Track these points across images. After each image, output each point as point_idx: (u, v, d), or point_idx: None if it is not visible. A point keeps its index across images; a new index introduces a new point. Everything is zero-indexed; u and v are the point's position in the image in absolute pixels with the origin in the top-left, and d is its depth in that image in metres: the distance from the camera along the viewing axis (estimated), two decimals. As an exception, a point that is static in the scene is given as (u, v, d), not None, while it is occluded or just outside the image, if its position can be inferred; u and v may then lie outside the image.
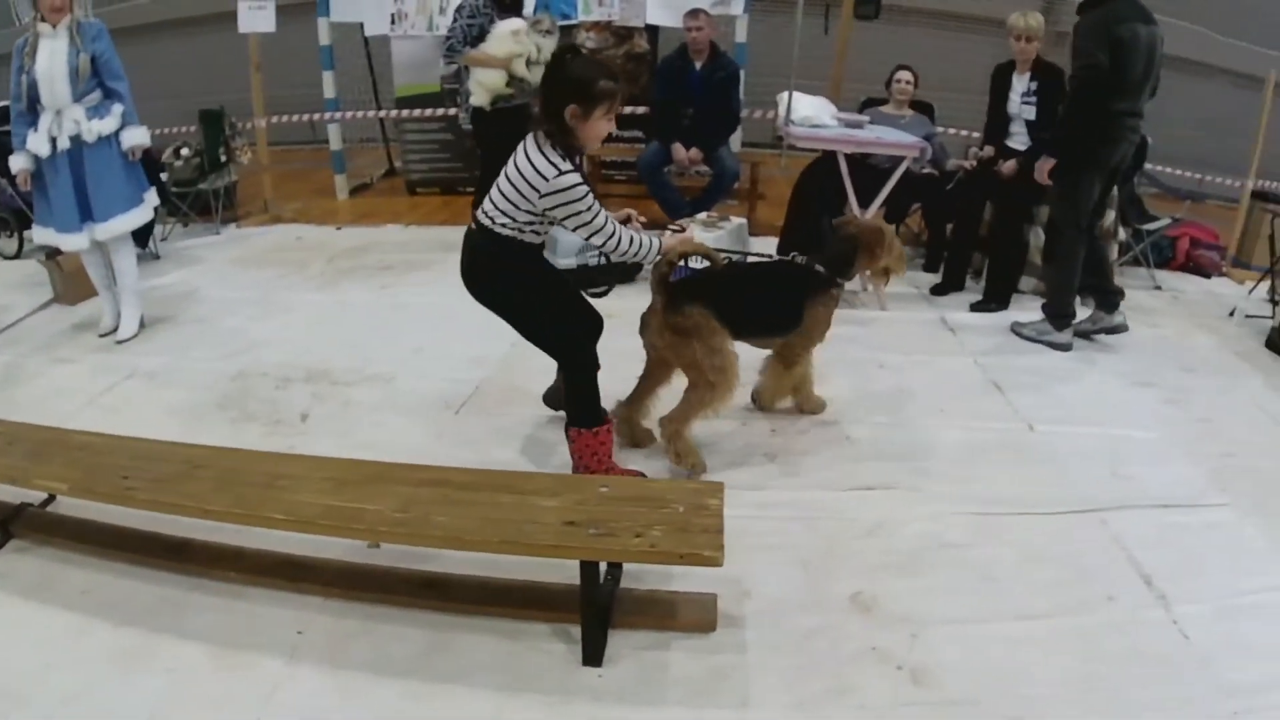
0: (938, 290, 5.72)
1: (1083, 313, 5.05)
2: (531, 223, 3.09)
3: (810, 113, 5.38)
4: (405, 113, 8.31)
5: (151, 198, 5.20)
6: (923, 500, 3.45)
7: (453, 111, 7.73)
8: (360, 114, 8.62)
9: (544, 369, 4.23)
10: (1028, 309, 5.36)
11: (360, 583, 2.90)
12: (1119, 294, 4.95)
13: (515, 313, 3.32)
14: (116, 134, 4.86)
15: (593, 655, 2.59)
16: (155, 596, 2.95)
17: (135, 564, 3.11)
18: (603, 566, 2.69)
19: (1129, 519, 3.38)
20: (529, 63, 5.79)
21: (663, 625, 2.72)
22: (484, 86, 5.87)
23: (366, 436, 3.87)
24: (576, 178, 2.96)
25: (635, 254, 3.16)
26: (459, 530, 2.50)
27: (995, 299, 5.43)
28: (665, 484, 2.83)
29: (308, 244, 6.93)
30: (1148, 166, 6.44)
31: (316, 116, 8.22)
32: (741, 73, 6.84)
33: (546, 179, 2.94)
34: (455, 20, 5.84)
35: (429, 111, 8.15)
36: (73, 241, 4.92)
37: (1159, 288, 6.03)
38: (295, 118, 8.09)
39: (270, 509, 2.65)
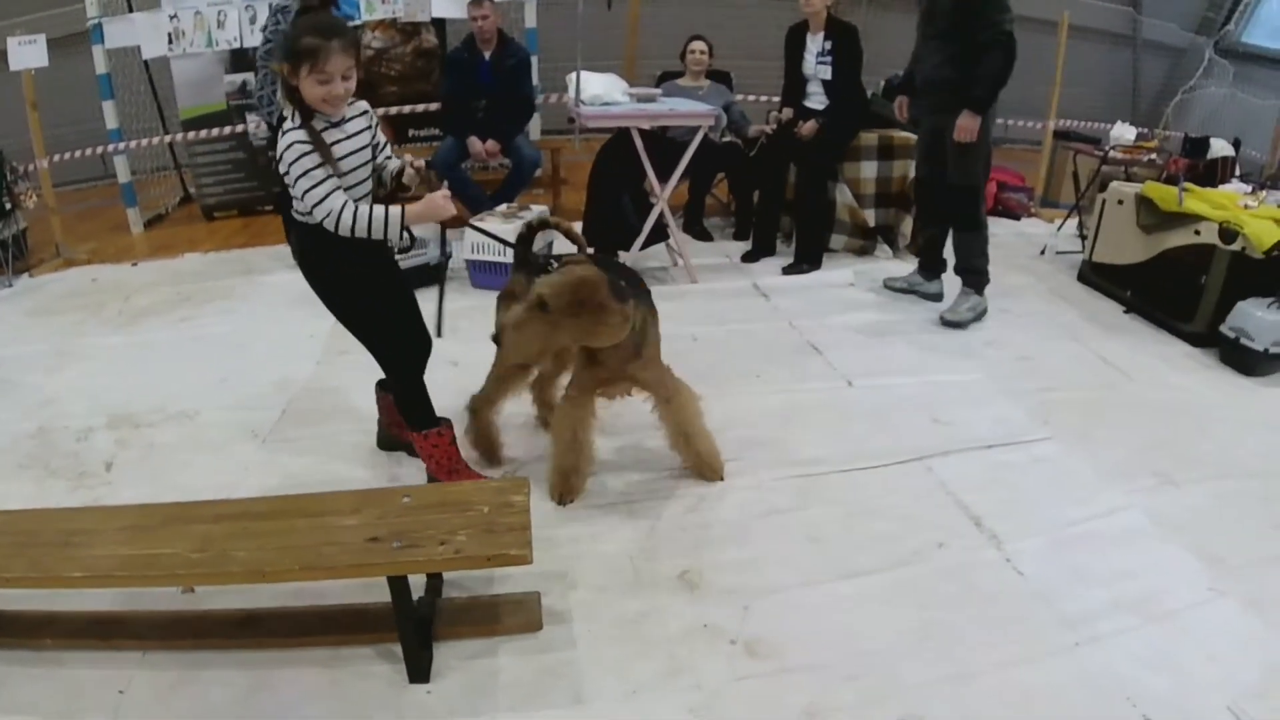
0: (748, 257, 5.74)
1: (902, 268, 5.14)
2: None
3: (600, 91, 5.27)
4: (194, 134, 7.89)
5: None
6: (742, 471, 3.41)
7: (241, 128, 7.53)
8: (145, 141, 8.15)
9: (352, 384, 4.06)
10: (841, 266, 5.43)
11: (176, 631, 2.71)
12: (944, 263, 5.05)
13: (335, 310, 3.11)
14: None
15: (419, 672, 2.47)
16: None
17: None
18: (418, 580, 2.59)
19: (954, 463, 3.44)
20: None
21: (488, 631, 2.62)
22: None
23: (174, 479, 3.61)
24: (294, 136, 2.70)
25: (365, 230, 2.74)
26: (259, 563, 2.34)
27: (807, 260, 5.48)
28: (469, 486, 2.70)
29: (103, 285, 6.48)
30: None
31: (101, 149, 7.76)
32: (534, 59, 6.71)
33: (278, 142, 2.75)
34: (275, 23, 5.41)
35: (217, 131, 7.78)
36: None
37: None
38: (79, 153, 7.60)
39: (67, 568, 2.46)
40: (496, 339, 2.94)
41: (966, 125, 4.40)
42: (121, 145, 7.73)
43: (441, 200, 2.83)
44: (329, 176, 2.71)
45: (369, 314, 3.09)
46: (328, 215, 2.70)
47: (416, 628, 2.45)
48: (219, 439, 3.91)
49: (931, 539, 2.99)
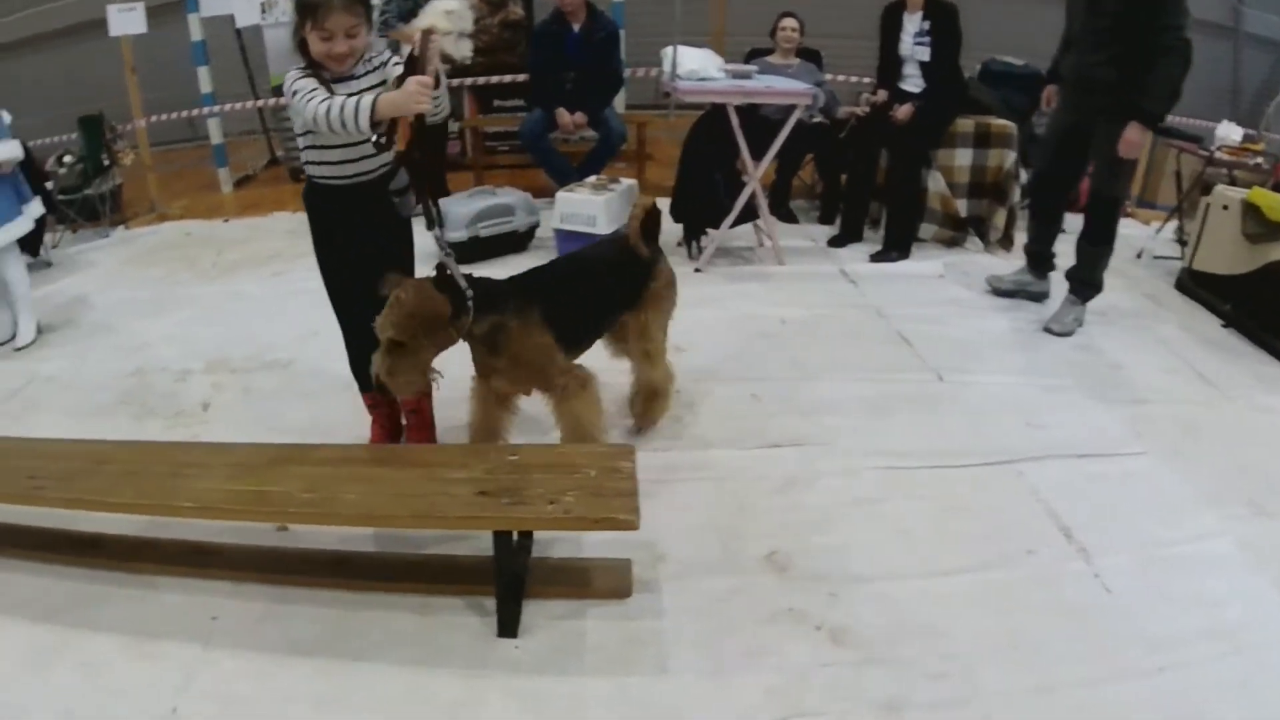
0: (835, 242, 5.67)
1: (992, 262, 5.03)
2: (306, 147, 2.95)
3: (696, 66, 5.23)
4: (283, 100, 8.04)
5: (33, 209, 5.11)
6: (832, 456, 3.37)
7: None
8: (238, 105, 8.40)
9: None
10: (930, 257, 5.35)
11: (269, 565, 2.82)
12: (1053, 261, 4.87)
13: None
14: None
15: (508, 627, 2.51)
16: (68, 592, 2.84)
17: (46, 561, 2.99)
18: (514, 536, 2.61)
19: (1046, 470, 3.33)
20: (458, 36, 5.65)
21: (577, 593, 2.65)
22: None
23: (270, 422, 3.75)
24: (294, 74, 2.75)
25: (339, 120, 2.57)
26: (369, 507, 2.41)
27: (896, 248, 5.39)
28: (576, 449, 2.75)
29: (196, 240, 6.74)
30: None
31: (194, 112, 8.06)
32: (621, 32, 6.67)
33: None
34: None
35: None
36: None
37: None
38: (173, 115, 7.89)
39: (176, 498, 2.56)
40: (381, 388, 2.75)
41: (1134, 140, 4.08)
42: (214, 109, 8.01)
43: (416, 87, 2.52)
44: (323, 90, 2.69)
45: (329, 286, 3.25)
46: (315, 114, 2.61)
47: (512, 584, 2.50)
48: (313, 388, 4.03)
49: (1021, 545, 2.91)
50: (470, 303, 2.71)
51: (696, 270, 5.21)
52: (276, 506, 2.49)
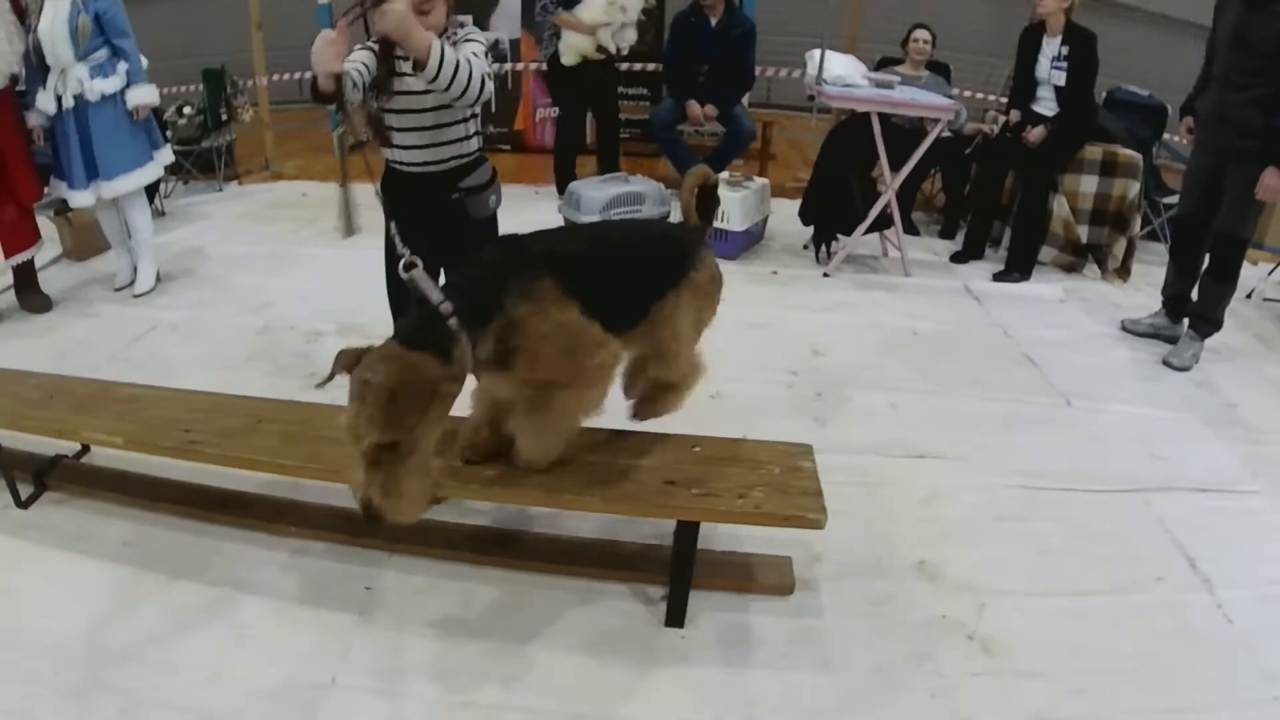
0: (958, 258, 5.70)
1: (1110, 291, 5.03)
2: None
3: (842, 71, 5.29)
4: None
5: (163, 156, 5.21)
6: (972, 471, 3.44)
7: None
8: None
9: None
10: (1050, 280, 5.39)
11: (427, 538, 2.83)
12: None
13: None
14: (122, 92, 4.83)
15: (676, 616, 2.56)
16: (207, 550, 2.92)
17: (182, 516, 3.08)
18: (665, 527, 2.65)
19: (1171, 501, 3.37)
20: (619, 27, 6.04)
21: (741, 587, 2.70)
22: (573, 49, 6.13)
23: None
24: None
25: None
26: (558, 487, 2.40)
27: (1018, 269, 5.43)
28: (755, 445, 2.70)
29: (313, 200, 6.84)
30: (1166, 137, 6.40)
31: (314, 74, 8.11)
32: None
33: None
34: None
35: None
36: (79, 198, 4.93)
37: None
38: (293, 75, 7.94)
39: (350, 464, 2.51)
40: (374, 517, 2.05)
41: (1273, 185, 4.02)
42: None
43: (319, 42, 2.33)
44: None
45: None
46: None
47: (686, 574, 2.54)
48: None
49: (1150, 572, 2.97)
50: (457, 326, 2.04)
51: (825, 275, 5.30)
52: (463, 480, 2.44)
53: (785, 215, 5.98)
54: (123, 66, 4.81)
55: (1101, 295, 5.34)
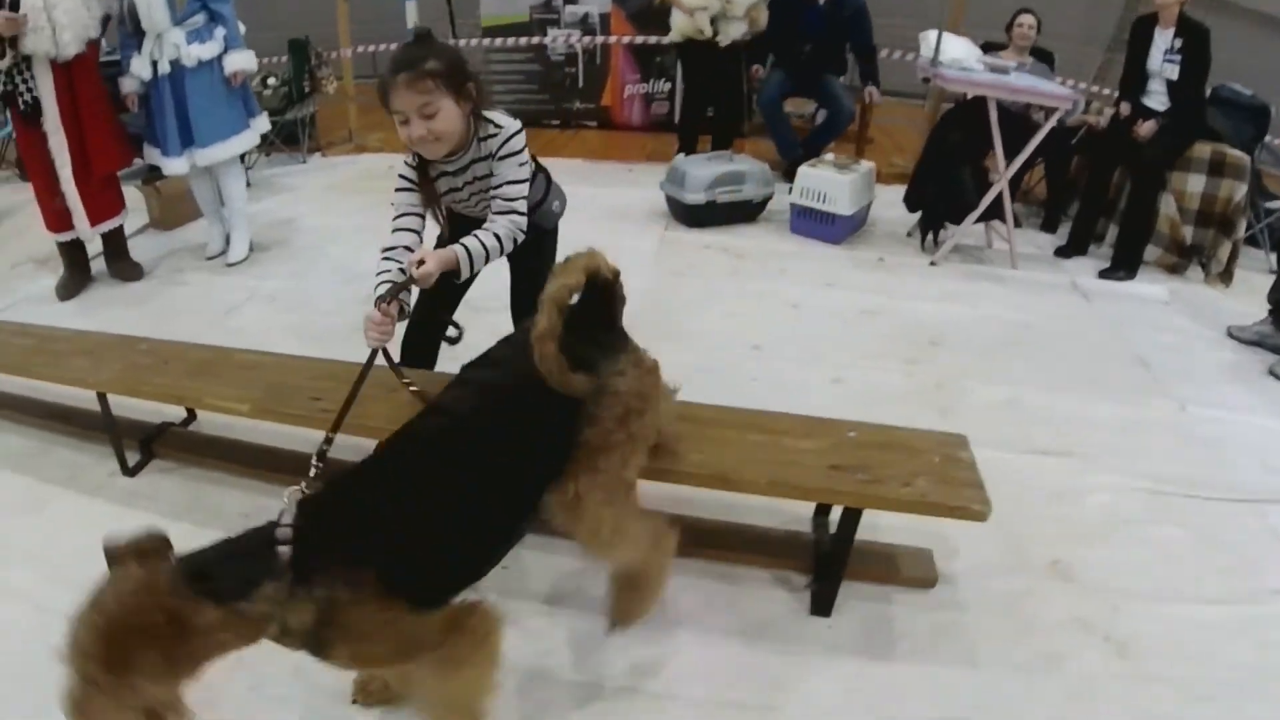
0: (1062, 252, 5.63)
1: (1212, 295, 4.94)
2: None
3: (960, 55, 5.21)
4: (492, 42, 8.26)
5: (259, 124, 5.20)
6: (1096, 471, 3.41)
7: (538, 41, 7.99)
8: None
9: (691, 303, 4.29)
10: (1154, 281, 5.34)
11: None
12: None
13: None
14: (219, 59, 4.80)
15: (823, 605, 2.58)
16: None
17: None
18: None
19: (1286, 515, 3.33)
20: (715, 18, 6.07)
21: (885, 578, 2.70)
22: (677, 27, 6.28)
23: None
24: (400, 169, 2.70)
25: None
26: (722, 468, 2.40)
27: (1125, 267, 5.35)
28: (909, 432, 2.66)
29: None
30: (1269, 139, 6.28)
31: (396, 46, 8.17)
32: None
33: None
34: None
35: (514, 41, 8.17)
36: (174, 166, 4.92)
37: (1275, 271, 5.94)
38: (379, 47, 7.99)
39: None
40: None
41: None
42: None
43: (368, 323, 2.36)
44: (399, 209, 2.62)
45: None
46: None
47: (839, 563, 2.55)
48: None
49: (1269, 585, 2.94)
50: (285, 563, 1.58)
51: (932, 263, 5.26)
52: None
53: (885, 201, 5.93)
54: (220, 31, 4.77)
55: (1205, 299, 5.25)
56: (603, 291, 2.03)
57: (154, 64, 4.67)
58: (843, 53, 6.47)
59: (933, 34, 5.25)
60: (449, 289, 2.84)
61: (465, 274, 2.46)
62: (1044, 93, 5.11)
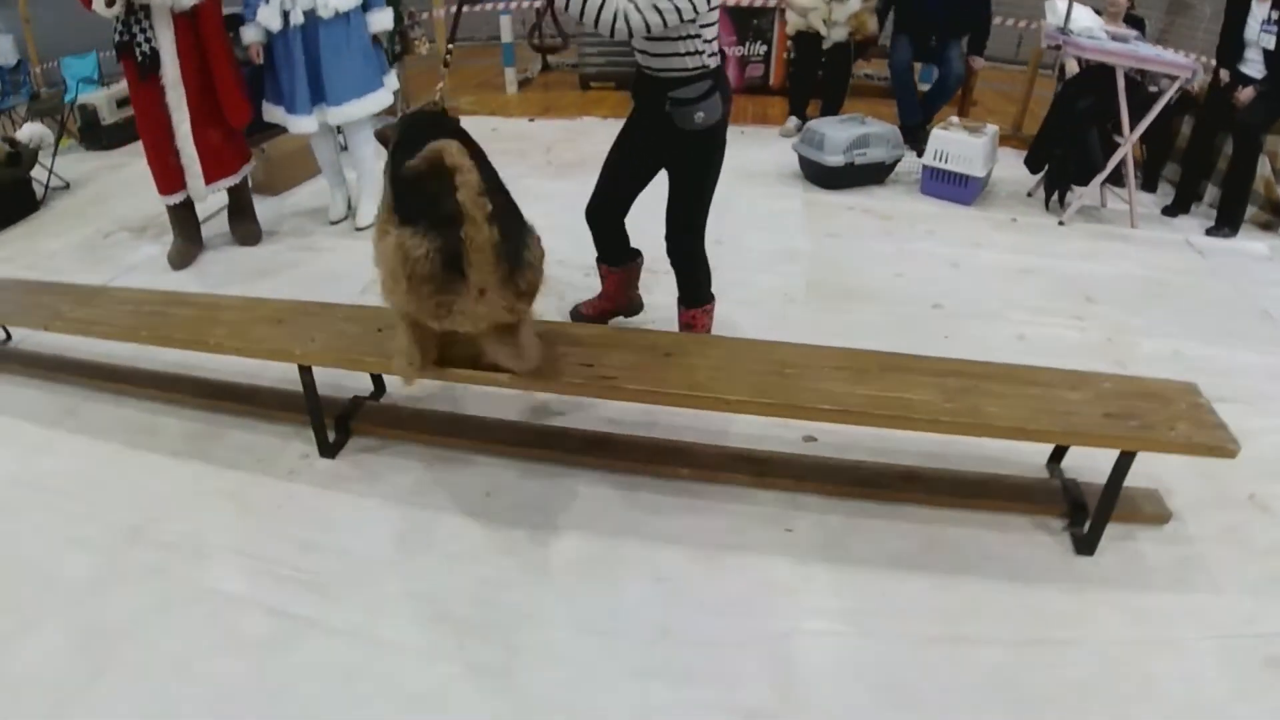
0: (1169, 211, 5.92)
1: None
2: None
3: (1090, 24, 5.46)
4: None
5: (391, 82, 4.97)
6: (1261, 415, 3.61)
7: None
8: (529, 4, 8.62)
9: (857, 261, 4.62)
10: (1253, 239, 5.61)
11: (836, 476, 3.04)
12: None
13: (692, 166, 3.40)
14: (358, 11, 4.60)
15: (1088, 546, 2.82)
16: (612, 499, 3.00)
17: (539, 460, 3.15)
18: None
19: None
20: (825, 21, 6.48)
21: (1130, 517, 2.93)
22: (792, 22, 6.76)
23: (716, 324, 3.87)
24: None
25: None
26: (1018, 420, 2.61)
27: (1229, 224, 5.65)
28: (1152, 382, 2.92)
29: (506, 135, 6.94)
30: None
31: (490, 6, 8.42)
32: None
33: None
34: None
35: None
36: (302, 124, 4.73)
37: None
38: (470, 7, 8.02)
39: (805, 399, 2.65)
40: None
41: None
42: (511, 4, 8.29)
43: None
44: None
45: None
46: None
47: (1107, 504, 2.79)
48: (750, 295, 4.30)
49: None
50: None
51: (1060, 223, 5.55)
52: (924, 414, 2.58)
53: (1001, 163, 6.16)
54: None
55: None
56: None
57: (284, 15, 4.44)
58: (970, 20, 6.61)
59: (1061, 3, 5.49)
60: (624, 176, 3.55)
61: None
62: (1168, 61, 5.36)
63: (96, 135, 7.23)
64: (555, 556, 2.77)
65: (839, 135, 5.67)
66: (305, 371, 3.09)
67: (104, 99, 7.22)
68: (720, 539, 2.81)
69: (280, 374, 3.45)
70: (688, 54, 3.07)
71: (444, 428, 3.32)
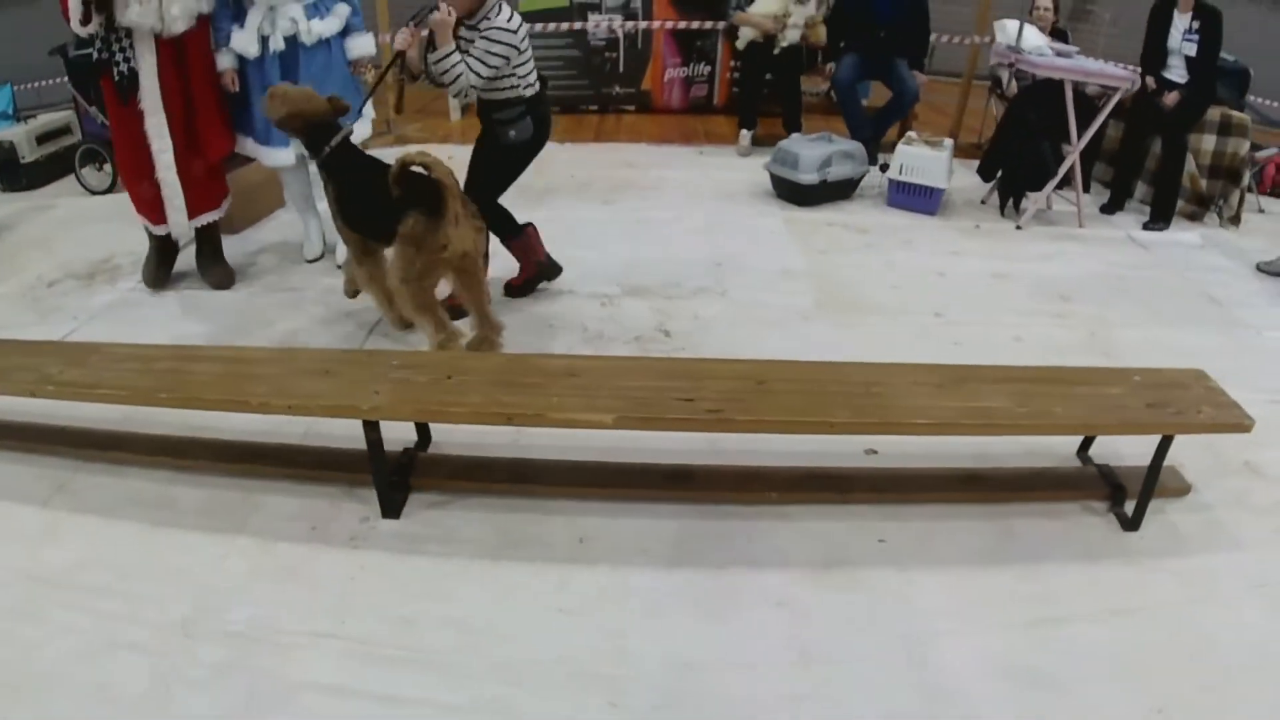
0: (1106, 209, 6.43)
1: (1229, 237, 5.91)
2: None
3: (1039, 42, 5.91)
4: (531, 27, 8.24)
5: (370, 111, 4.79)
6: (1233, 388, 3.61)
7: (580, 27, 8.07)
8: None
9: (860, 278, 4.84)
10: (1183, 230, 6.19)
11: (912, 485, 3.23)
12: None
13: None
14: (339, 37, 4.48)
15: (1135, 522, 3.13)
16: (687, 531, 3.01)
17: (616, 499, 3.12)
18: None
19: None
20: (781, 21, 6.81)
21: (1158, 493, 3.18)
22: (744, 37, 7.20)
23: (744, 347, 4.06)
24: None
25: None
26: (1084, 418, 2.95)
27: (1162, 218, 6.19)
28: (1173, 372, 3.23)
29: (462, 163, 6.97)
30: (1250, 98, 7.23)
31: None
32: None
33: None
34: None
35: (555, 26, 8.21)
36: (278, 156, 4.57)
37: (1262, 210, 6.84)
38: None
39: (901, 415, 2.80)
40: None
41: None
42: None
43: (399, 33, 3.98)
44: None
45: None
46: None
47: (1149, 486, 3.11)
48: (769, 315, 4.52)
49: None
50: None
51: (1018, 227, 5.99)
52: (1004, 420, 2.83)
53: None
54: (342, 8, 4.45)
55: (1225, 240, 6.10)
56: (425, 176, 3.61)
57: (263, 40, 4.28)
58: (915, 37, 6.96)
59: (1011, 24, 5.96)
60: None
61: (442, 53, 3.81)
62: (1110, 74, 5.88)
63: (15, 174, 6.76)
64: (672, 596, 2.72)
65: (811, 154, 5.99)
66: (372, 428, 2.87)
67: (23, 135, 6.78)
68: (821, 556, 2.89)
69: (305, 429, 3.38)
70: (508, 88, 4.01)
71: (511, 475, 3.19)
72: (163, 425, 3.40)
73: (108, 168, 6.57)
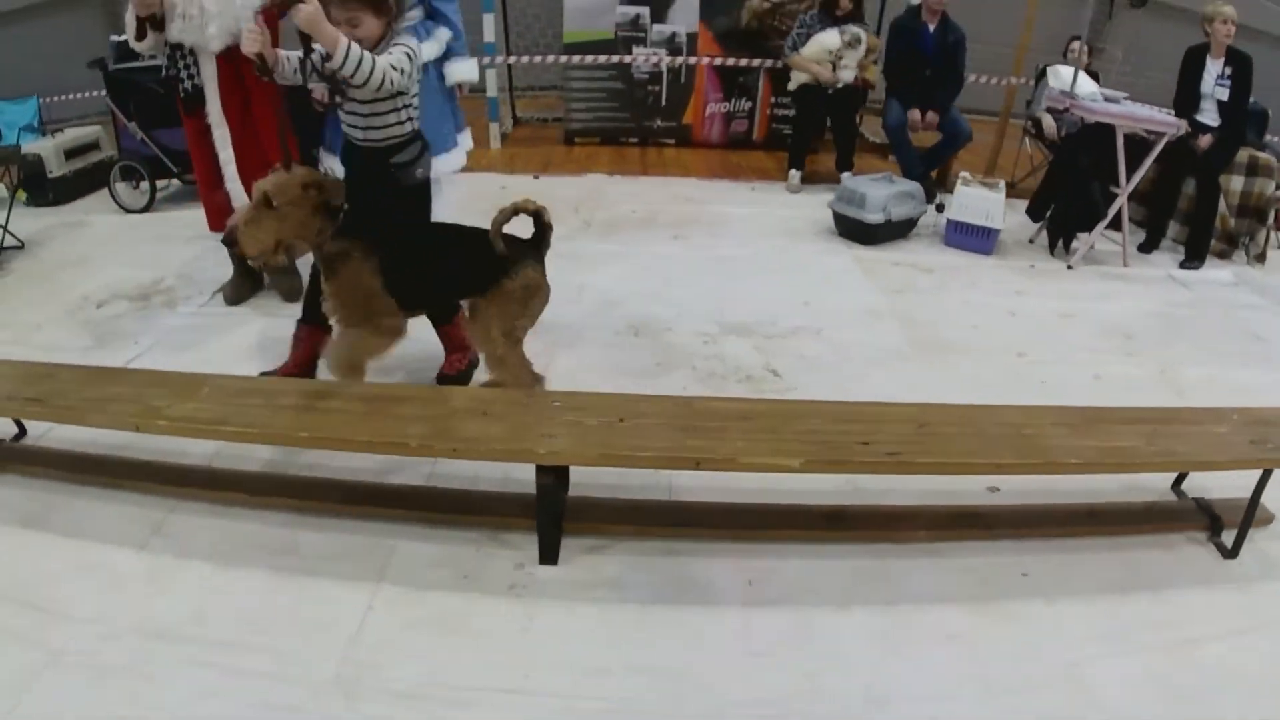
0: (1143, 249, 6.79)
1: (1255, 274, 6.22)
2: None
3: (1092, 89, 6.27)
4: (570, 60, 8.45)
5: (466, 140, 4.89)
6: None
7: (622, 59, 8.26)
8: (524, 59, 8.81)
9: (938, 317, 5.08)
10: (1215, 268, 6.51)
11: (1038, 520, 3.41)
12: None
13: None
14: (439, 62, 4.53)
15: (1232, 551, 3.35)
16: (851, 570, 3.07)
17: (778, 540, 3.19)
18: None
19: None
20: (834, 63, 7.06)
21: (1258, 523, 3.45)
22: (796, 80, 7.34)
23: (854, 386, 4.19)
24: None
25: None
26: (1207, 455, 3.14)
27: (1197, 257, 6.56)
28: (1258, 410, 3.47)
29: (520, 193, 6.76)
30: (1269, 138, 7.68)
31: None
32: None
33: None
34: (794, 28, 7.14)
35: (593, 59, 8.41)
36: None
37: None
38: None
39: (1058, 455, 2.95)
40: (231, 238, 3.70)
41: None
42: (498, 59, 8.25)
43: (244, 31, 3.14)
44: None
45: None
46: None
47: (1251, 515, 3.34)
48: (868, 354, 4.71)
49: None
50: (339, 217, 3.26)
51: (1069, 267, 6.30)
52: (1141, 459, 3.06)
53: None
54: (443, 33, 4.48)
55: (1254, 278, 6.44)
56: (534, 220, 3.39)
57: None
58: (955, 78, 7.32)
59: (1065, 70, 6.32)
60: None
61: (339, 55, 2.94)
62: (1159, 120, 6.23)
63: (43, 189, 6.64)
64: (853, 636, 2.78)
65: (877, 194, 6.26)
66: (545, 473, 2.81)
67: (51, 149, 6.68)
68: (976, 590, 3.00)
69: (414, 466, 3.37)
70: (406, 120, 3.42)
71: (668, 518, 3.22)
72: (250, 461, 3.39)
73: (144, 185, 6.52)
